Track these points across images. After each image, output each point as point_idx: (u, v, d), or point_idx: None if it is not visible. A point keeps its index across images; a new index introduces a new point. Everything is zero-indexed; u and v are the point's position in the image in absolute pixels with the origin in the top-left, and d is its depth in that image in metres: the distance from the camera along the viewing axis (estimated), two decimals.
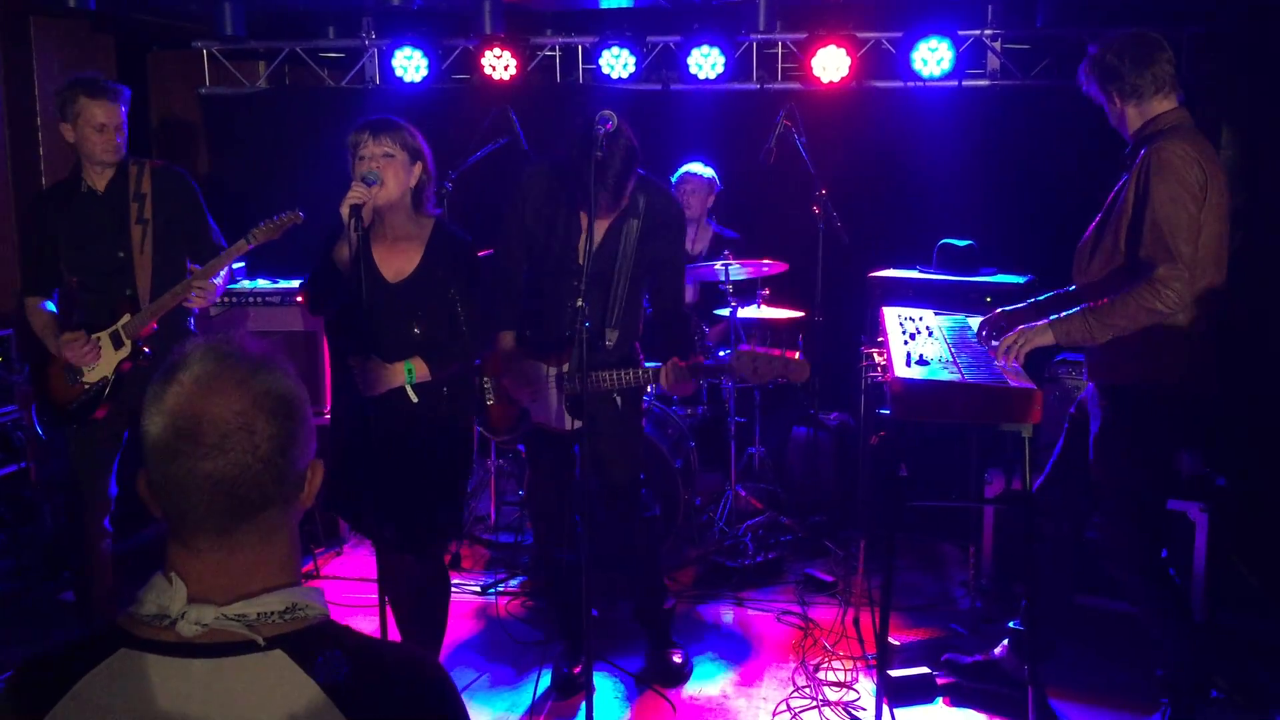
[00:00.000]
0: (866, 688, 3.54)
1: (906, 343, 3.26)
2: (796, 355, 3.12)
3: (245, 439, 1.15)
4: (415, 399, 3.07)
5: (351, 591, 4.37)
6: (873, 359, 3.22)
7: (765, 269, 4.73)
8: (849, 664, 3.70)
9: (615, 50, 5.68)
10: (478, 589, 4.39)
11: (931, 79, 5.43)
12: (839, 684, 3.58)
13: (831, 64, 5.44)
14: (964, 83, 5.53)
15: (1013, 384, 2.87)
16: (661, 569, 3.90)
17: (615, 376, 3.26)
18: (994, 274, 4.69)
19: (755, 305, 4.84)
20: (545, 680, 3.58)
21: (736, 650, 3.90)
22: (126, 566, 3.74)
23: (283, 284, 4.95)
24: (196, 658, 1.14)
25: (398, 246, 3.10)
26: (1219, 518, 3.82)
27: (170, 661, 1.14)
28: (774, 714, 3.42)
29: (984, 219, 5.16)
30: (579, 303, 2.86)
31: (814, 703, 3.45)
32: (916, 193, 5.43)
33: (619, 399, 3.40)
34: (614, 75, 5.73)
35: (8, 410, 4.50)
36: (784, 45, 5.78)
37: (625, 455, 3.50)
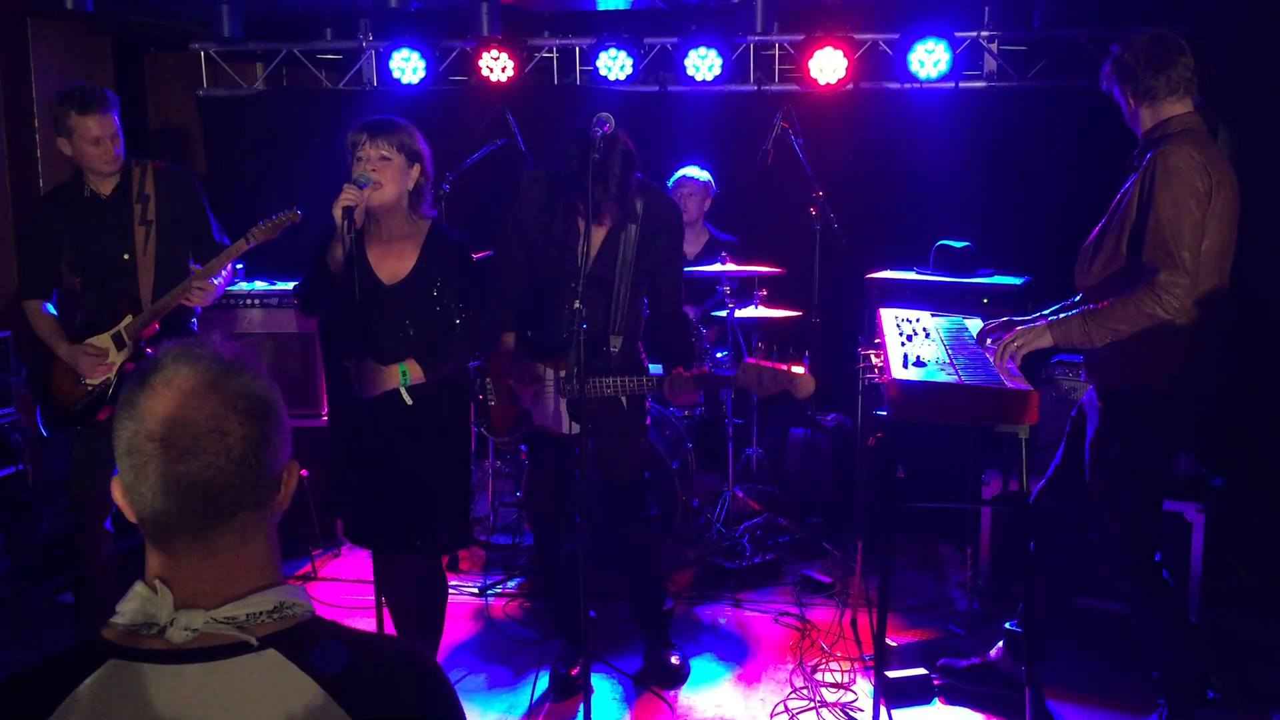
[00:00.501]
0: (864, 689, 3.54)
1: (904, 344, 3.27)
2: (802, 370, 3.08)
3: (218, 441, 1.14)
4: (409, 401, 3.06)
5: (349, 593, 4.37)
6: (870, 360, 3.22)
7: (761, 275, 4.74)
8: (846, 665, 3.71)
9: (612, 52, 5.68)
10: (475, 590, 4.40)
11: (928, 80, 5.43)
12: (836, 685, 3.59)
13: (829, 66, 5.44)
14: (961, 84, 5.53)
15: (1009, 385, 2.87)
16: (662, 569, 3.89)
17: (620, 384, 3.26)
18: (991, 275, 4.69)
19: (753, 306, 4.85)
20: (543, 682, 3.58)
21: (734, 651, 3.90)
22: (127, 567, 3.74)
23: (280, 286, 4.95)
24: (189, 663, 1.13)
25: (393, 248, 3.09)
26: (1216, 518, 3.82)
27: (163, 669, 1.13)
28: (771, 715, 3.42)
29: (981, 220, 5.16)
30: (576, 305, 2.87)
31: (811, 704, 3.46)
32: (914, 194, 5.43)
33: (624, 400, 3.40)
34: (611, 77, 5.73)
35: (6, 412, 4.49)
36: (781, 47, 5.78)
37: (630, 455, 3.50)
